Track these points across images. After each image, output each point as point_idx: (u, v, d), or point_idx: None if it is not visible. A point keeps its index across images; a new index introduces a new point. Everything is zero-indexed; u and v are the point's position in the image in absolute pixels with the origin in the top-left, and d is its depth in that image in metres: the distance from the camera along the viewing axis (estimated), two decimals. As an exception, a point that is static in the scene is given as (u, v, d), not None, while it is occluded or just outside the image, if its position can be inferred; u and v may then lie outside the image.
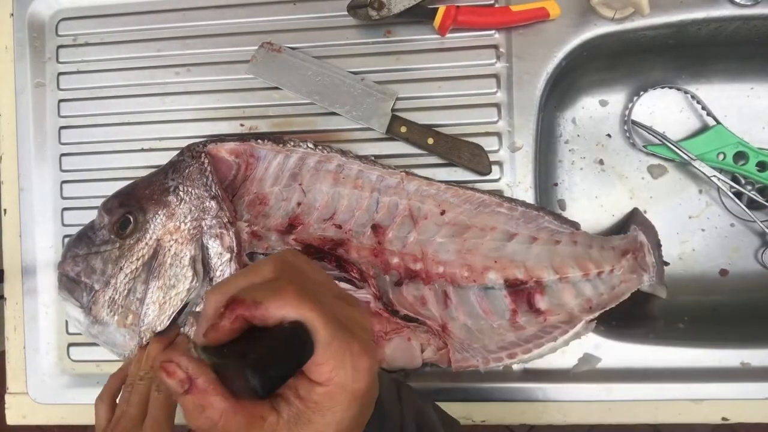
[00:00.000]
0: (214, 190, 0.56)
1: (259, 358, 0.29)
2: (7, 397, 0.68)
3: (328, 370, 0.30)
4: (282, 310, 0.30)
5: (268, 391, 0.29)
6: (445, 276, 0.58)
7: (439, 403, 0.61)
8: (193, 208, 0.56)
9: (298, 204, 0.60)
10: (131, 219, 0.55)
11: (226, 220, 0.55)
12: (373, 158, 0.62)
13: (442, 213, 0.60)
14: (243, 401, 0.30)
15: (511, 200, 0.60)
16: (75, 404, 0.66)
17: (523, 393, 0.60)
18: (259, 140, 0.59)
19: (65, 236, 0.67)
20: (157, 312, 0.54)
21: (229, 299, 0.31)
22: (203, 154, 0.58)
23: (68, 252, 0.57)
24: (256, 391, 0.29)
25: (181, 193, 0.56)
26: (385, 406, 0.37)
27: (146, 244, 0.55)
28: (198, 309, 0.55)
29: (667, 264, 0.66)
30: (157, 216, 0.55)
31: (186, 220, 0.55)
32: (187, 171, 0.57)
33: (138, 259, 0.55)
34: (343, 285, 0.58)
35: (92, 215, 0.59)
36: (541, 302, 0.58)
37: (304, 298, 0.30)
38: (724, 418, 0.59)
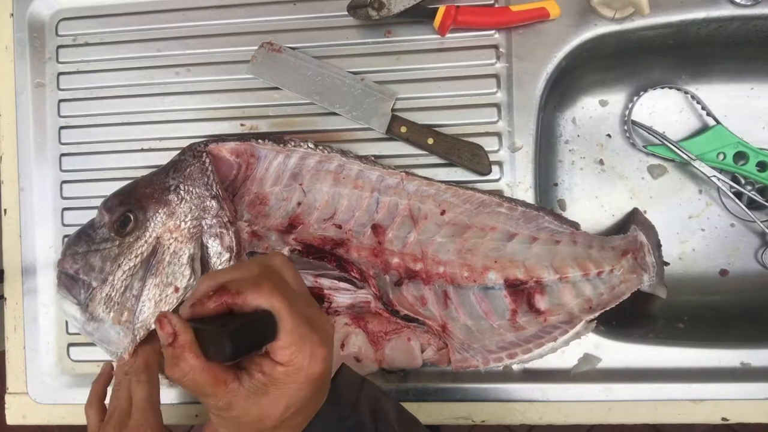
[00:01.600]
0: (214, 189, 0.56)
1: (233, 330, 0.36)
2: (7, 397, 0.68)
3: (290, 353, 0.37)
4: (257, 300, 0.37)
5: (235, 357, 0.36)
6: (445, 276, 0.58)
7: (439, 403, 0.61)
8: (193, 208, 0.56)
9: (299, 204, 0.60)
10: (131, 217, 0.55)
11: (227, 219, 0.56)
12: (373, 158, 0.62)
13: (442, 213, 0.60)
14: (212, 364, 0.36)
15: (511, 200, 0.60)
16: (75, 404, 0.66)
17: (523, 393, 0.60)
18: (259, 140, 0.59)
19: (65, 236, 0.67)
20: (152, 309, 0.54)
21: (218, 286, 0.38)
22: (205, 154, 0.58)
23: (68, 250, 0.57)
24: (225, 356, 0.35)
25: (181, 192, 0.56)
26: (342, 391, 0.43)
27: (145, 241, 0.55)
28: None
29: (667, 264, 0.66)
30: (157, 214, 0.55)
31: (186, 219, 0.55)
32: (188, 170, 0.57)
33: (137, 257, 0.55)
34: (343, 285, 0.58)
35: (92, 215, 0.59)
36: (541, 302, 0.58)
37: (276, 292, 0.37)
38: (723, 418, 0.59)
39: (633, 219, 0.68)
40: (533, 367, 0.60)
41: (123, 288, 0.54)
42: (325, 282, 0.58)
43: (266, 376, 0.37)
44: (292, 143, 0.60)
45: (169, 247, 0.55)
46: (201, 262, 0.55)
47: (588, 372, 0.60)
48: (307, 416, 0.40)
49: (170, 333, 0.36)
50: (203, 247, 0.55)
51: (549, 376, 0.60)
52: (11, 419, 0.67)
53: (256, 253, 0.57)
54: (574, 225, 0.61)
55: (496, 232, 0.60)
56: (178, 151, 0.60)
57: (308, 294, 0.42)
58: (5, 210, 0.68)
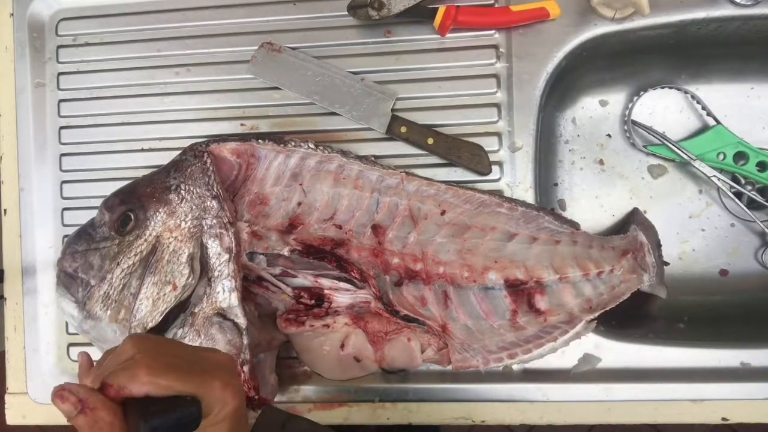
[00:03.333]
0: (215, 189, 0.56)
1: (147, 412, 0.36)
2: (7, 397, 0.68)
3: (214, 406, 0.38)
4: (144, 387, 0.37)
5: None
6: (445, 276, 0.58)
7: (440, 403, 0.61)
8: (194, 207, 0.56)
9: (299, 204, 0.60)
10: (132, 216, 0.55)
11: (227, 220, 0.56)
12: (373, 158, 0.62)
13: (443, 213, 0.60)
14: None
15: (511, 200, 0.60)
16: (75, 404, 0.66)
17: (523, 393, 0.60)
18: (260, 140, 0.59)
19: (65, 236, 0.67)
20: (149, 308, 0.54)
21: (102, 383, 0.37)
22: (206, 154, 0.58)
23: (68, 248, 0.57)
24: None
25: (182, 191, 0.56)
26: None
27: (145, 240, 0.55)
28: (196, 309, 0.55)
29: (666, 264, 0.66)
30: (157, 214, 0.55)
31: (186, 219, 0.55)
32: (189, 170, 0.57)
33: (136, 255, 0.55)
34: (343, 285, 0.58)
35: (92, 215, 0.59)
36: (542, 302, 0.58)
37: (155, 372, 0.37)
38: (724, 419, 0.59)
39: (633, 219, 0.68)
40: (533, 367, 0.60)
41: (121, 286, 0.54)
42: (325, 282, 0.58)
43: None
44: (293, 143, 0.60)
45: (168, 246, 0.55)
46: (200, 261, 0.55)
47: (588, 372, 0.60)
48: None
49: (75, 403, 0.37)
50: (203, 247, 0.55)
51: (549, 376, 0.60)
52: (11, 419, 0.67)
53: (255, 253, 0.57)
54: (574, 225, 0.61)
55: (496, 232, 0.60)
56: (178, 151, 0.60)
57: (184, 344, 0.43)
58: (5, 210, 0.68)
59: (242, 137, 0.61)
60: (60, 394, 0.37)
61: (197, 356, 0.42)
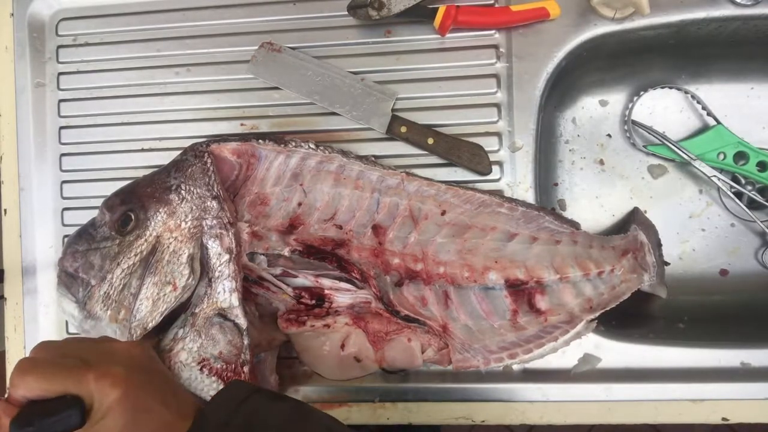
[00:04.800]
0: (216, 190, 0.56)
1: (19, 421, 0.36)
2: (7, 397, 0.68)
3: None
4: (18, 390, 0.37)
5: None
6: (445, 276, 0.58)
7: (440, 403, 0.61)
8: (194, 208, 0.56)
9: (299, 204, 0.60)
10: (132, 216, 0.55)
11: (227, 220, 0.55)
12: (373, 158, 0.62)
13: (443, 213, 0.60)
14: None
15: (511, 200, 0.60)
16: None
17: (523, 393, 0.60)
18: (260, 140, 0.59)
19: (65, 236, 0.67)
20: (149, 308, 0.54)
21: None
22: (206, 154, 0.58)
23: (68, 248, 0.57)
24: None
25: (183, 192, 0.56)
26: (209, 415, 0.41)
27: (146, 240, 0.55)
28: (197, 310, 0.55)
29: (667, 264, 0.66)
30: (158, 214, 0.55)
31: (187, 219, 0.55)
32: (189, 170, 0.57)
33: (136, 255, 0.55)
34: (343, 285, 0.58)
35: (92, 215, 0.59)
36: (542, 302, 0.58)
37: (24, 373, 0.37)
38: (724, 419, 0.59)
39: (633, 218, 0.68)
40: (533, 367, 0.60)
41: (121, 286, 0.54)
42: (326, 282, 0.58)
43: None
44: (293, 144, 0.60)
45: (168, 246, 0.55)
46: (201, 262, 0.55)
47: (588, 372, 0.60)
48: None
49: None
50: (203, 248, 0.55)
51: (549, 376, 0.60)
52: (11, 419, 0.67)
53: (256, 254, 0.57)
54: (575, 225, 0.61)
55: (496, 232, 0.60)
56: (178, 151, 0.60)
57: (77, 344, 0.43)
58: (5, 210, 0.68)
59: (243, 137, 0.61)
60: None
61: (90, 351, 0.41)
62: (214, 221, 0.55)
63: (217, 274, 0.55)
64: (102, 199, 0.58)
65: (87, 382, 0.38)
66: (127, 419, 0.38)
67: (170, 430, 0.40)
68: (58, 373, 0.38)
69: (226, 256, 0.55)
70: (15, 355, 0.67)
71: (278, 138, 0.60)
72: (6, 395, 0.38)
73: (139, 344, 0.49)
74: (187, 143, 0.60)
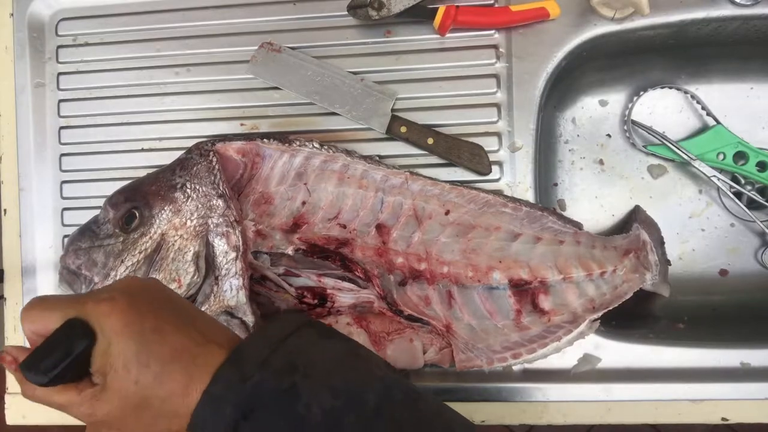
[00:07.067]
0: (221, 188, 0.56)
1: (28, 360, 0.35)
2: (7, 397, 0.67)
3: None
4: (26, 325, 0.37)
5: (45, 382, 0.35)
6: (449, 276, 0.58)
7: (440, 403, 0.61)
8: (199, 206, 0.56)
9: (303, 203, 0.60)
10: (137, 214, 0.55)
11: (233, 218, 0.55)
12: (377, 158, 0.61)
13: (447, 213, 0.60)
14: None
15: (515, 200, 0.60)
16: (75, 404, 0.66)
17: (523, 393, 0.60)
18: (265, 139, 0.59)
19: (65, 236, 0.67)
20: None
21: None
22: (212, 153, 0.58)
23: (71, 245, 0.57)
24: (40, 381, 0.35)
25: (188, 190, 0.56)
26: (247, 351, 0.37)
27: (150, 238, 0.55)
28: (203, 308, 0.55)
29: (669, 263, 0.66)
30: (163, 212, 0.55)
31: (192, 217, 0.55)
32: (195, 169, 0.57)
33: (140, 253, 0.55)
34: (346, 284, 0.58)
35: (92, 215, 0.59)
36: (545, 302, 0.58)
37: (30, 307, 0.37)
38: (723, 419, 0.59)
39: (635, 217, 0.68)
40: (533, 367, 0.60)
41: None
42: (329, 281, 0.58)
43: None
44: (297, 143, 0.60)
45: (173, 244, 0.55)
46: (206, 260, 0.55)
47: (588, 372, 0.60)
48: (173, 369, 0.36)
49: (10, 361, 0.37)
50: (209, 246, 0.55)
51: (549, 376, 0.60)
52: (11, 419, 0.67)
53: (260, 253, 0.57)
54: (577, 225, 0.61)
55: (500, 232, 0.60)
56: (178, 151, 0.60)
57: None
58: (5, 210, 0.68)
59: (247, 137, 0.61)
60: (1, 356, 0.38)
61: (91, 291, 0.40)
62: (220, 219, 0.55)
63: (223, 272, 0.55)
64: (102, 199, 0.58)
65: (85, 306, 0.36)
66: (138, 344, 0.35)
67: (190, 356, 0.36)
68: (57, 301, 0.37)
69: (233, 254, 0.55)
70: (15, 355, 0.67)
71: (282, 137, 0.60)
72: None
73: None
74: (187, 143, 0.60)
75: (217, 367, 0.36)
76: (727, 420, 0.59)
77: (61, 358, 0.35)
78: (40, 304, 0.37)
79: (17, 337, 0.67)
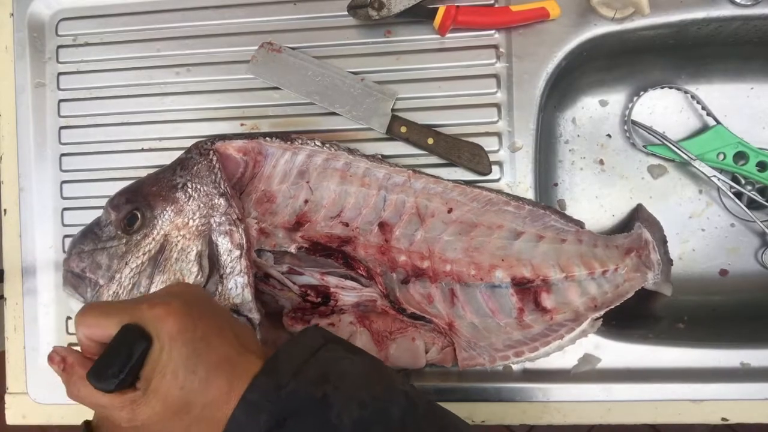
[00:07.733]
0: (222, 187, 0.56)
1: (95, 369, 0.37)
2: (7, 397, 0.67)
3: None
4: (80, 330, 0.38)
5: (112, 388, 0.36)
6: (452, 274, 0.58)
7: (441, 403, 0.61)
8: (201, 205, 0.56)
9: (306, 201, 0.60)
10: (139, 215, 0.55)
11: (236, 217, 0.55)
12: (380, 156, 0.61)
13: (449, 211, 0.60)
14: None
15: (518, 198, 0.60)
16: (75, 404, 0.65)
17: (523, 393, 0.60)
18: (267, 138, 0.59)
19: (65, 236, 0.67)
20: None
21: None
22: (212, 152, 0.58)
23: (73, 248, 0.57)
24: (107, 388, 0.36)
25: (189, 190, 0.56)
26: (281, 361, 0.39)
27: (153, 239, 0.55)
28: None
29: (672, 263, 0.66)
30: (165, 212, 0.55)
31: (194, 217, 0.55)
32: (195, 168, 0.57)
33: (144, 254, 0.55)
34: (349, 283, 0.58)
35: (92, 215, 0.59)
36: (548, 301, 0.58)
37: (85, 313, 0.38)
38: (723, 419, 0.59)
39: (637, 216, 0.68)
40: (533, 367, 0.60)
41: (130, 285, 0.54)
42: (332, 280, 0.58)
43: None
44: (299, 141, 0.60)
45: (177, 245, 0.55)
46: (209, 259, 0.55)
47: (588, 372, 0.60)
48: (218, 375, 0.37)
49: (59, 362, 0.39)
50: (212, 245, 0.55)
51: (549, 376, 0.60)
52: (11, 419, 0.67)
53: (263, 251, 0.57)
54: (579, 224, 0.61)
55: (503, 230, 0.60)
56: (178, 151, 0.60)
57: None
58: (5, 210, 0.68)
59: (249, 136, 0.61)
60: (50, 356, 0.39)
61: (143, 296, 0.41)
62: (223, 218, 0.55)
63: (228, 270, 0.54)
64: (102, 199, 0.58)
65: (141, 311, 0.37)
66: (189, 350, 0.36)
67: (231, 365, 0.38)
68: (112, 307, 0.38)
69: (237, 252, 0.55)
70: (15, 355, 0.67)
71: (284, 136, 0.60)
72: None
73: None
74: (187, 143, 0.60)
75: (254, 376, 0.37)
76: (727, 420, 0.59)
77: (124, 363, 0.36)
78: (95, 309, 0.38)
79: (17, 337, 0.67)
